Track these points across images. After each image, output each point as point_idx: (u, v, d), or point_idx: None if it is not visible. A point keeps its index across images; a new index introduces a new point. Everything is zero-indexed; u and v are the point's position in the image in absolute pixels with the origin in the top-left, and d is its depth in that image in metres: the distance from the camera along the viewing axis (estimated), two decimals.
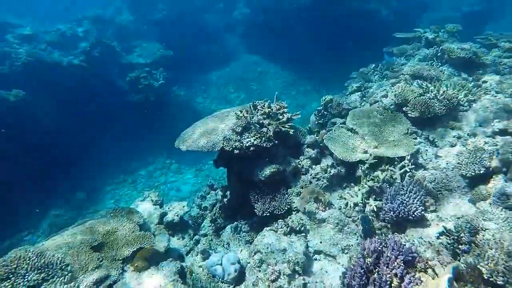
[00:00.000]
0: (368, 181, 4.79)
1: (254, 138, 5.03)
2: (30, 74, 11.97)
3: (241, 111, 5.49)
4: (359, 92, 7.70)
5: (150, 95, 14.21)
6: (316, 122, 7.70)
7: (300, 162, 5.45)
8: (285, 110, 5.61)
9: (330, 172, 5.13)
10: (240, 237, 5.18)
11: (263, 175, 5.01)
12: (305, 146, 5.64)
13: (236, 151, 4.97)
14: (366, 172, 4.90)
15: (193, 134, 5.55)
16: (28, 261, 3.48)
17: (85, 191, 12.98)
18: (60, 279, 3.48)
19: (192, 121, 16.03)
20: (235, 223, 5.38)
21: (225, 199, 6.29)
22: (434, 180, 4.39)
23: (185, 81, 18.10)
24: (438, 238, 3.61)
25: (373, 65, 9.30)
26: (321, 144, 5.58)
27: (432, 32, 9.00)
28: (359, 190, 4.74)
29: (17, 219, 11.23)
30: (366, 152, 5.15)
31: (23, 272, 3.37)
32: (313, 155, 5.45)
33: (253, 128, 5.18)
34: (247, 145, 4.98)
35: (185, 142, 5.41)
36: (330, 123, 7.21)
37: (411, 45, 9.45)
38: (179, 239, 5.42)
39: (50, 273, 3.47)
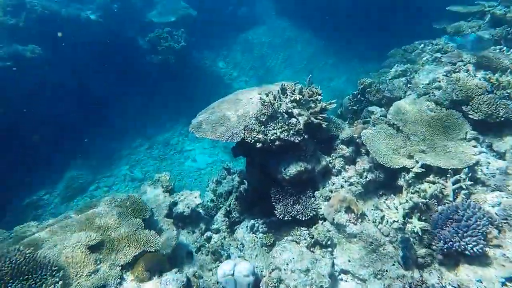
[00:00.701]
0: (412, 193, 4.04)
1: (280, 130, 4.29)
2: (45, 29, 11.33)
3: (267, 95, 4.71)
4: (404, 78, 6.64)
5: (170, 58, 13.40)
6: (350, 108, 6.81)
7: (331, 161, 4.71)
8: (319, 98, 4.77)
9: (366, 178, 4.38)
10: (257, 238, 4.64)
11: (287, 174, 4.34)
12: (339, 141, 4.86)
13: (258, 144, 4.28)
14: (410, 182, 4.13)
15: (209, 117, 4.85)
16: (13, 264, 3.04)
17: (102, 153, 12.79)
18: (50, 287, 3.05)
19: (212, 88, 15.25)
20: (252, 221, 4.82)
21: (242, 188, 5.72)
22: (499, 204, 3.59)
23: (208, 44, 17.05)
24: (504, 285, 2.90)
25: (421, 44, 8.06)
26: (357, 140, 4.78)
27: (502, 5, 7.57)
28: (400, 204, 4.00)
29: (37, 177, 11.23)
30: (411, 156, 4.34)
31: (6, 278, 2.94)
32: (347, 153, 4.68)
33: (280, 118, 4.42)
34: (272, 138, 4.27)
35: (200, 128, 4.73)
36: (366, 111, 6.32)
37: (469, 22, 8.09)
38: (189, 232, 4.94)
39: (38, 280, 3.04)
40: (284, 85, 4.83)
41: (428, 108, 4.85)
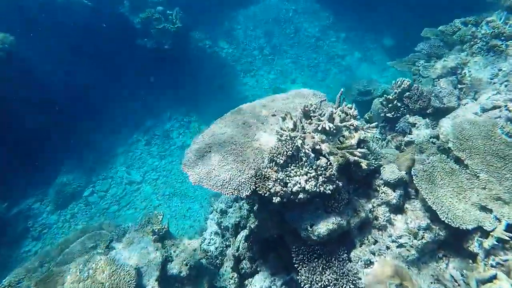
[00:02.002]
0: (494, 267, 2.90)
1: (306, 178, 3.11)
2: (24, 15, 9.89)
3: (284, 119, 3.48)
4: (453, 77, 5.28)
5: (165, 42, 11.90)
6: (383, 114, 5.53)
7: (372, 209, 3.55)
8: (355, 123, 3.51)
9: (423, 239, 3.23)
10: None
11: (315, 234, 3.21)
12: (380, 181, 3.66)
13: (276, 199, 3.12)
14: (489, 248, 2.98)
15: (208, 154, 3.67)
16: None
17: (95, 151, 11.74)
18: None
19: (215, 70, 13.75)
20: (267, 282, 3.78)
21: (253, 224, 4.64)
22: None
23: (206, 23, 15.35)
24: None
25: (468, 24, 6.56)
26: (404, 178, 3.58)
27: None
28: (476, 285, 2.88)
29: (25, 182, 10.29)
30: (485, 208, 3.16)
31: None
32: (395, 200, 3.50)
33: (304, 158, 3.22)
34: (294, 189, 3.10)
35: (194, 168, 3.57)
36: (405, 122, 5.06)
37: None
38: None
39: None
40: (307, 108, 3.57)
41: (505, 132, 3.59)
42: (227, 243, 4.86)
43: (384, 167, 3.67)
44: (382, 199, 3.53)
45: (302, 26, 16.47)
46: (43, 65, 10.70)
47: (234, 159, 3.45)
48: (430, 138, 4.26)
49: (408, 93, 5.18)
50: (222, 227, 5.12)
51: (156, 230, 4.23)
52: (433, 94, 4.90)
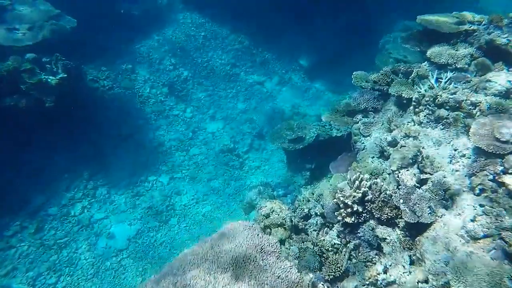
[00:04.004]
0: None
1: None
2: None
3: None
4: (415, 168, 4.45)
5: (46, 99, 9.21)
6: (340, 218, 4.45)
7: None
8: None
9: None
10: None
11: None
12: None
13: None
14: None
15: None
16: None
17: None
18: None
19: (119, 119, 11.46)
20: None
21: None
22: None
23: (103, 61, 12.82)
24: None
25: (399, 73, 5.98)
26: None
27: (497, 29, 5.80)
28: None
29: None
30: None
31: None
32: None
33: None
34: None
35: None
36: (370, 232, 4.07)
37: (453, 46, 6.24)
38: None
39: None
40: None
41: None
42: None
43: None
44: None
45: (215, 53, 15.07)
46: None
47: None
48: (418, 283, 3.28)
49: (370, 195, 4.20)
50: None
51: None
52: (401, 201, 4.00)
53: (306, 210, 5.59)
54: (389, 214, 3.99)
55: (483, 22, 6.13)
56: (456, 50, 6.04)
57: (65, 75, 9.49)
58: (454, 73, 5.70)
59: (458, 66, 5.76)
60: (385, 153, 5.64)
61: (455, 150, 4.59)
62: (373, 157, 5.83)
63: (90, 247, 9.23)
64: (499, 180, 3.64)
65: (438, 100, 5.08)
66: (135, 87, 13.15)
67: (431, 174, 4.35)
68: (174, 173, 11.55)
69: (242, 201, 9.84)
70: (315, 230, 5.18)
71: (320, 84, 15.35)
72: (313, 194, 7.00)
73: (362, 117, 6.80)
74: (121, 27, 13.46)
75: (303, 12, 14.69)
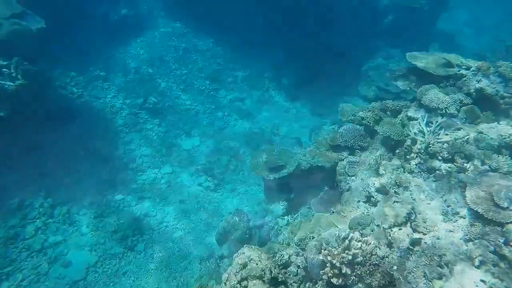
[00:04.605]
0: None
1: None
2: None
3: None
4: (409, 227, 4.15)
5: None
6: (326, 278, 4.04)
7: None
8: None
9: None
10: None
11: None
12: None
13: None
14: None
15: None
16: None
17: None
18: None
19: (87, 130, 10.67)
20: None
21: None
22: None
23: (73, 64, 11.89)
24: None
25: (387, 111, 5.74)
26: None
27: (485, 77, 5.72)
28: None
29: None
30: None
31: None
32: None
33: None
34: None
35: None
36: None
37: (443, 89, 6.12)
38: None
39: None
40: None
41: None
42: None
43: None
44: None
45: (195, 66, 14.51)
46: None
47: None
48: None
49: (360, 257, 3.83)
50: None
51: None
52: (394, 268, 3.64)
53: (286, 257, 5.14)
54: (380, 281, 3.64)
55: (472, 68, 6.06)
56: (445, 94, 5.91)
57: (26, 82, 8.57)
58: (444, 118, 5.54)
59: (448, 112, 5.61)
60: (372, 198, 5.35)
61: (448, 206, 4.35)
62: (359, 201, 5.53)
63: (40, 278, 8.22)
64: (500, 252, 3.39)
65: (431, 149, 4.86)
66: (107, 96, 12.29)
67: (424, 234, 4.05)
68: (143, 193, 10.75)
69: (216, 230, 9.23)
70: (296, 283, 4.74)
71: (301, 104, 15.13)
72: (292, 233, 6.59)
73: (348, 154, 6.51)
74: (98, 31, 12.62)
75: (286, 31, 14.52)
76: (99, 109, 11.97)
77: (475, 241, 3.64)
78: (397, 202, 4.47)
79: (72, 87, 11.68)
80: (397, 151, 5.62)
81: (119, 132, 11.83)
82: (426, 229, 4.09)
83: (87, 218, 9.73)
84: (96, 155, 10.94)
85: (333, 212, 5.79)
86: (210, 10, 13.98)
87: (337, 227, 5.02)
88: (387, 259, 3.81)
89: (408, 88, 6.44)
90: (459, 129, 5.39)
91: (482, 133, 4.90)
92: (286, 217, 8.67)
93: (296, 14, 13.68)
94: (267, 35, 14.52)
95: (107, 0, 13.06)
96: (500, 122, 5.15)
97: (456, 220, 4.13)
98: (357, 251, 3.75)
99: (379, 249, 4.00)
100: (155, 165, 11.59)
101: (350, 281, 3.89)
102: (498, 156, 4.52)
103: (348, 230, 4.52)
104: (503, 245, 3.43)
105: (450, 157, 4.75)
